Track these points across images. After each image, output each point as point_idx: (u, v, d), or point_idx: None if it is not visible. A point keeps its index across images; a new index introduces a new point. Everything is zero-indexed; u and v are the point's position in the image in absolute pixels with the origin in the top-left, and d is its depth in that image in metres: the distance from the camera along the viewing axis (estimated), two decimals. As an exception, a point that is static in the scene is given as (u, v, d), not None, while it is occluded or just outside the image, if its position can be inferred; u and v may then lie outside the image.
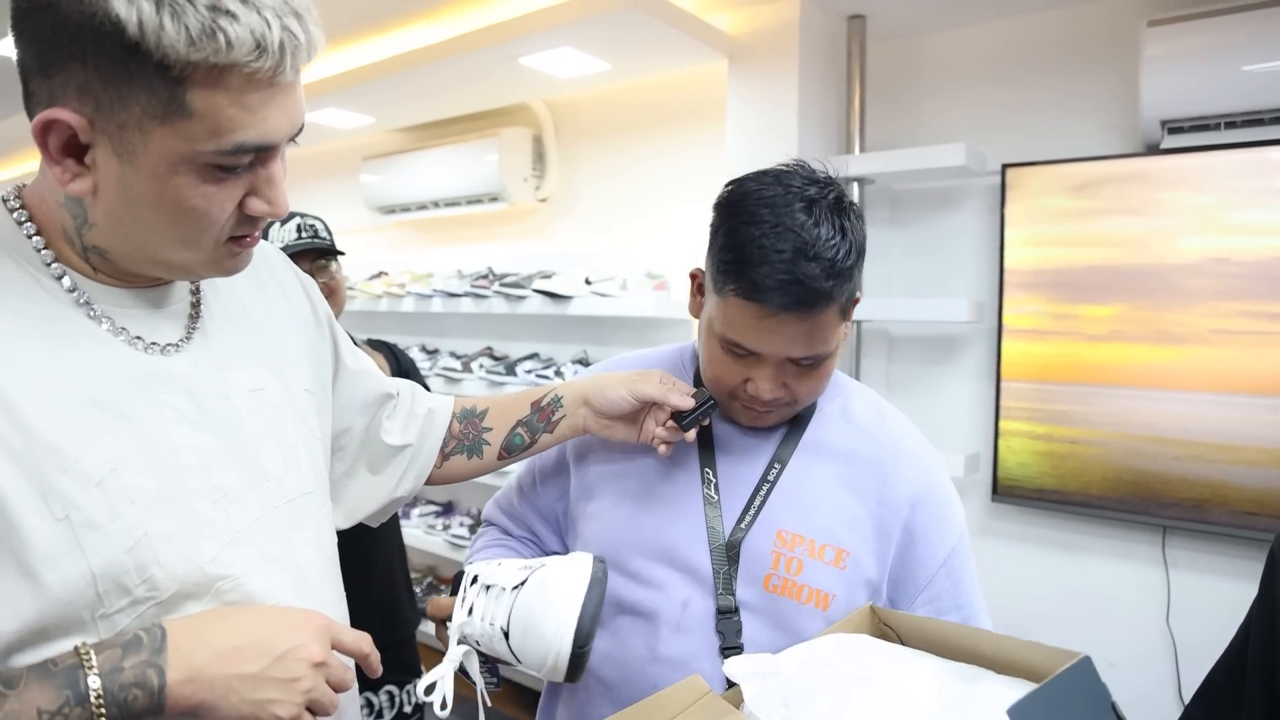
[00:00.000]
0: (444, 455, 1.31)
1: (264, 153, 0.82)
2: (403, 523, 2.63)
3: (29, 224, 0.86)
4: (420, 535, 4.20)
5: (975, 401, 3.11)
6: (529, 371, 3.88)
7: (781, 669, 1.04)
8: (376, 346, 2.48)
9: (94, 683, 0.75)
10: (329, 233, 2.23)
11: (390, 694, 2.30)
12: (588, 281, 3.55)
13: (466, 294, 3.96)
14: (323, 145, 4.96)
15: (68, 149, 0.78)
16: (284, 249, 2.06)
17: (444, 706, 0.99)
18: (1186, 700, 1.26)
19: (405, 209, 4.51)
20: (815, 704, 0.98)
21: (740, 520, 1.20)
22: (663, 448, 1.19)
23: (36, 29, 0.74)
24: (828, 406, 1.29)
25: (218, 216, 0.83)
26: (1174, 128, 2.58)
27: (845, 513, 1.21)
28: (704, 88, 3.42)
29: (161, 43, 0.71)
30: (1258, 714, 1.10)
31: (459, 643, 1.04)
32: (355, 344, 2.34)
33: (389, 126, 4.54)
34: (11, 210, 0.87)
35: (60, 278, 0.85)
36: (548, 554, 1.37)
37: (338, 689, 0.89)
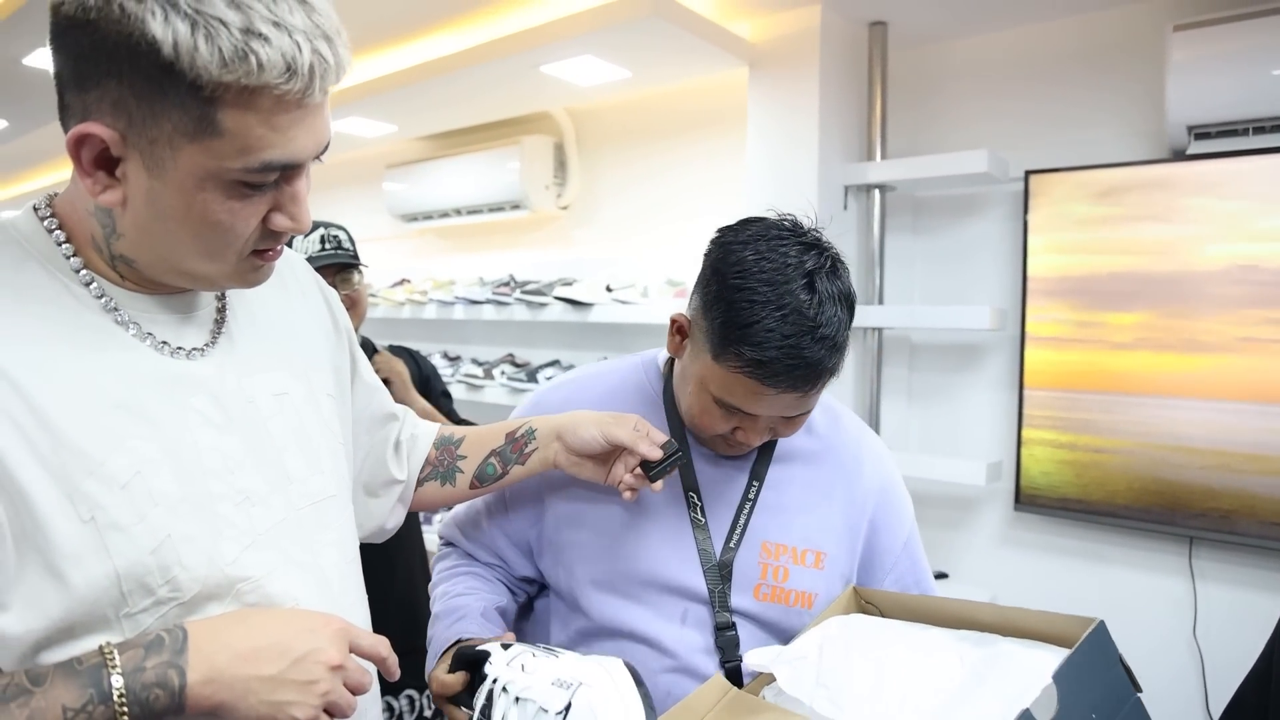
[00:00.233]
0: (419, 481, 1.33)
1: (289, 171, 0.84)
2: (424, 528, 2.63)
3: (59, 232, 0.88)
4: (441, 542, 4.18)
5: (997, 410, 3.09)
6: (550, 379, 3.88)
7: (805, 654, 1.09)
8: (397, 352, 2.49)
9: (117, 682, 0.76)
10: (352, 243, 2.25)
11: (410, 698, 2.30)
12: (609, 289, 3.55)
13: (488, 301, 3.99)
14: (346, 154, 5.00)
15: (99, 162, 0.80)
16: (307, 260, 2.07)
17: None
18: (1215, 716, 1.25)
19: (428, 217, 4.54)
20: (852, 680, 1.04)
21: (728, 540, 1.27)
22: (628, 494, 1.20)
23: (75, 45, 0.76)
24: None
25: (242, 231, 0.85)
26: (1201, 133, 2.56)
27: (820, 516, 1.31)
28: (725, 95, 3.42)
29: (195, 63, 0.73)
30: None
31: None
32: (375, 350, 2.37)
33: (411, 135, 4.58)
34: (43, 219, 0.88)
35: (89, 284, 0.87)
36: (515, 580, 1.39)
37: (355, 691, 0.90)
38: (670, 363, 1.35)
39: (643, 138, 3.84)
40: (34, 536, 0.78)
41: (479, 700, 1.02)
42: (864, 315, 3.10)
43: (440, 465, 1.32)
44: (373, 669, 0.97)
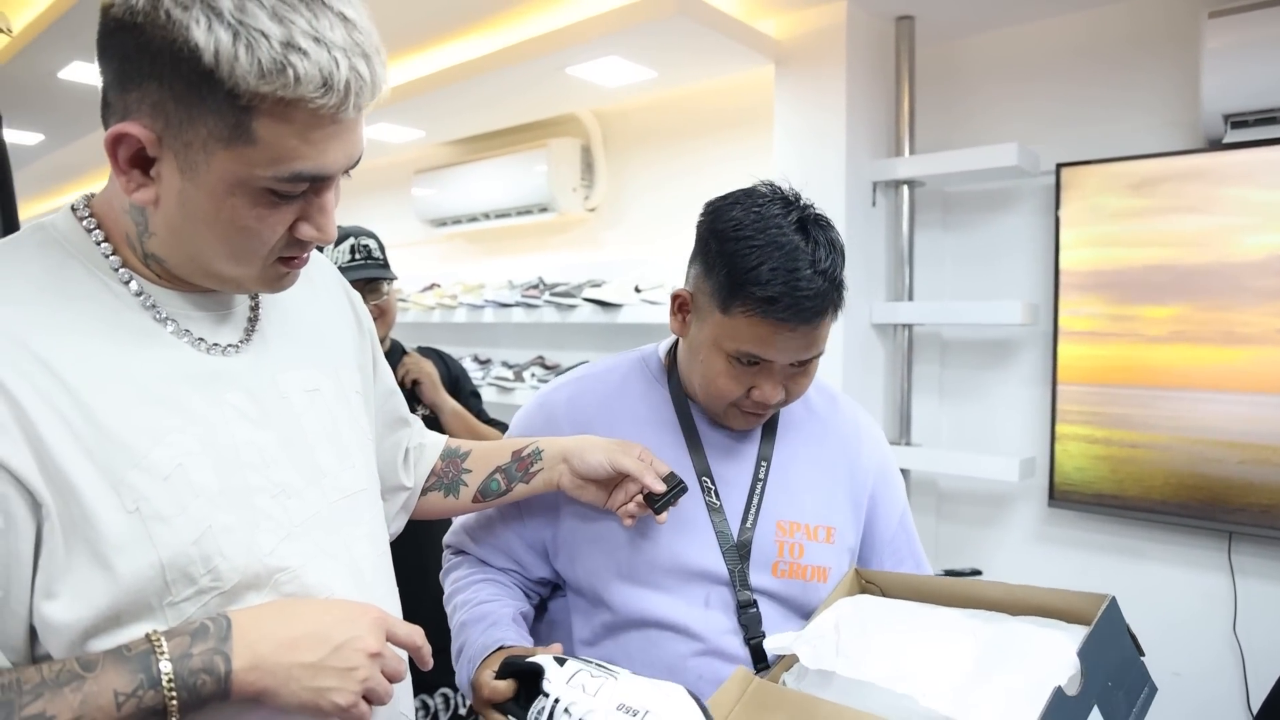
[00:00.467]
0: (423, 490, 1.36)
1: (319, 182, 0.86)
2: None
3: (98, 231, 0.91)
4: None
5: (1030, 405, 3.06)
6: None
7: (823, 633, 1.13)
8: (425, 353, 2.51)
9: (165, 667, 0.79)
10: (383, 251, 2.27)
11: (445, 696, 2.32)
12: (637, 289, 3.56)
13: (518, 304, 4.00)
14: (375, 160, 5.05)
15: (135, 161, 0.82)
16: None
17: None
18: (1255, 711, 1.24)
19: (456, 221, 4.56)
20: (872, 655, 1.07)
21: (744, 520, 1.31)
22: (628, 521, 1.23)
23: (120, 46, 0.79)
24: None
25: (268, 238, 0.87)
26: (1237, 121, 2.52)
27: (827, 493, 1.37)
28: (751, 94, 3.42)
29: (234, 72, 0.75)
30: None
31: None
32: (404, 352, 2.39)
33: (439, 140, 4.61)
34: (81, 219, 0.91)
35: (127, 283, 0.90)
36: (530, 583, 1.40)
37: (392, 679, 0.93)
38: (671, 355, 1.39)
39: (670, 138, 3.84)
40: (82, 527, 0.80)
41: (539, 717, 1.02)
42: (894, 311, 3.08)
43: (445, 477, 1.35)
44: (406, 657, 1.00)
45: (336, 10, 0.79)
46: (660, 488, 1.20)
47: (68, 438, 0.80)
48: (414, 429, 1.35)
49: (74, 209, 0.92)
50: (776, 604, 1.31)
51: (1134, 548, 2.86)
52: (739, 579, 1.28)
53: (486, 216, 4.39)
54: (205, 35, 0.74)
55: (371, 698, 0.91)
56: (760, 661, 1.26)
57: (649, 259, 3.74)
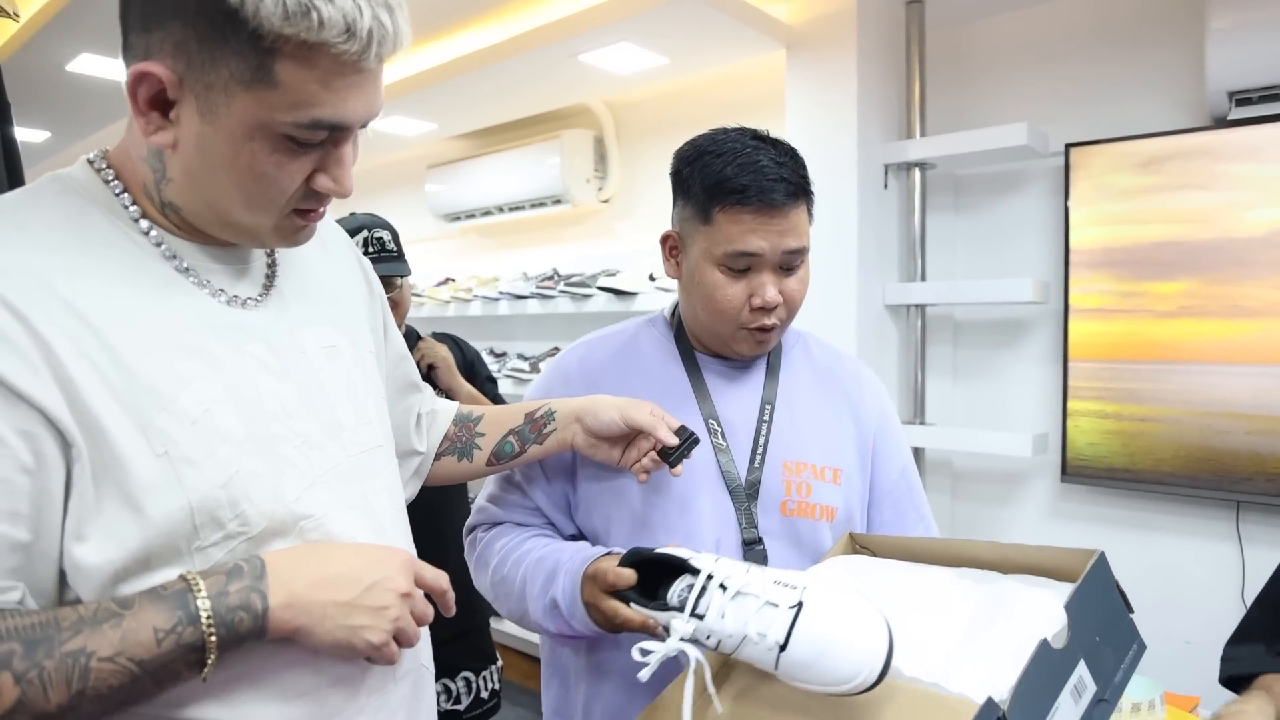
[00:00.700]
0: (437, 456, 1.35)
1: (337, 132, 0.86)
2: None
3: (116, 182, 0.91)
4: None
5: (1042, 383, 3.09)
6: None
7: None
8: (440, 339, 2.50)
9: (204, 605, 0.80)
10: (397, 243, 2.25)
11: (467, 680, 2.32)
12: (652, 278, 3.58)
13: (533, 295, 4.01)
14: (388, 156, 5.08)
15: (155, 102, 0.82)
16: None
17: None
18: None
19: (470, 215, 4.58)
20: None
21: (752, 460, 1.34)
22: (643, 476, 1.26)
23: None
24: (792, 351, 1.46)
25: (285, 186, 0.87)
26: (1242, 99, 2.55)
27: (832, 435, 1.40)
28: (762, 80, 3.45)
29: (259, 13, 0.75)
30: None
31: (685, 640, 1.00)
32: (419, 338, 2.38)
33: (451, 133, 4.62)
34: (98, 170, 0.91)
35: (147, 232, 0.90)
36: (565, 540, 1.41)
37: (420, 621, 0.95)
38: (674, 315, 1.44)
39: (682, 127, 3.80)
40: (112, 469, 0.80)
41: (686, 595, 1.01)
42: (907, 292, 3.12)
43: (459, 441, 1.35)
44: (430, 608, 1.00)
45: None
46: (673, 440, 1.21)
47: (96, 380, 0.80)
48: (425, 394, 1.35)
49: (90, 161, 0.92)
50: (784, 543, 1.33)
51: (1145, 520, 2.89)
52: (745, 517, 1.31)
53: (500, 210, 4.41)
54: None
55: (401, 639, 0.92)
56: None
57: (663, 248, 3.75)
